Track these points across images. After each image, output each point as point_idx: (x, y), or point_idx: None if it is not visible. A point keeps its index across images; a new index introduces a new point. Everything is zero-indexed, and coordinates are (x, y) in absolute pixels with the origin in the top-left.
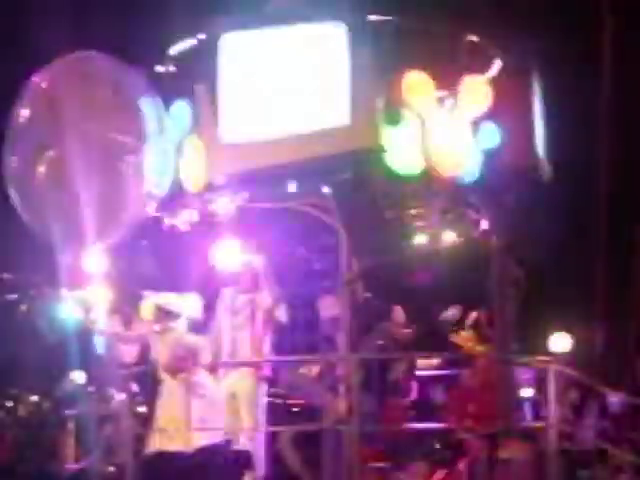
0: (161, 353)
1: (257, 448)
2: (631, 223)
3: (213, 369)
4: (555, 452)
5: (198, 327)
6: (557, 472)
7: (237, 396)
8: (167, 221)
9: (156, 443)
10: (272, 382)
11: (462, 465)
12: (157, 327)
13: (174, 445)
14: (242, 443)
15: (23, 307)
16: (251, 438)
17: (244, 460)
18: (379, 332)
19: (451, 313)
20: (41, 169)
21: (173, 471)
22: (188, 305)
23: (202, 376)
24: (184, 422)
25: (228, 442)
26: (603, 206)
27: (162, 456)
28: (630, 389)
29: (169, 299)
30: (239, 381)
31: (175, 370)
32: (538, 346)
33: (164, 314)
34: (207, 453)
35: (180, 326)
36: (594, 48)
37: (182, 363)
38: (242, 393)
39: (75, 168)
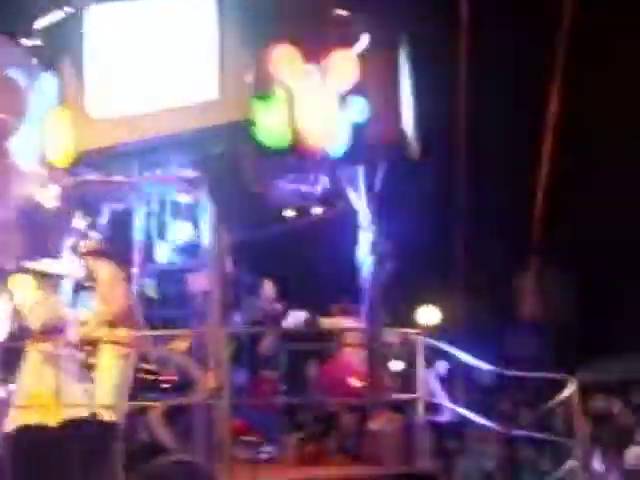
0: (35, 320)
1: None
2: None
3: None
4: (423, 424)
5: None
6: (425, 444)
7: (104, 369)
8: (35, 196)
9: (18, 418)
10: (142, 357)
11: (332, 439)
12: (39, 294)
13: (37, 419)
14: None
15: None
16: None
17: (111, 431)
18: (249, 306)
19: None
20: None
21: (38, 444)
22: (67, 266)
23: (68, 348)
24: (47, 395)
25: (93, 414)
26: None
27: (26, 430)
28: (498, 360)
29: (48, 263)
30: (105, 355)
31: (44, 339)
32: (406, 319)
33: (46, 278)
34: (72, 425)
35: (64, 289)
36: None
37: (53, 332)
38: (108, 366)
39: None
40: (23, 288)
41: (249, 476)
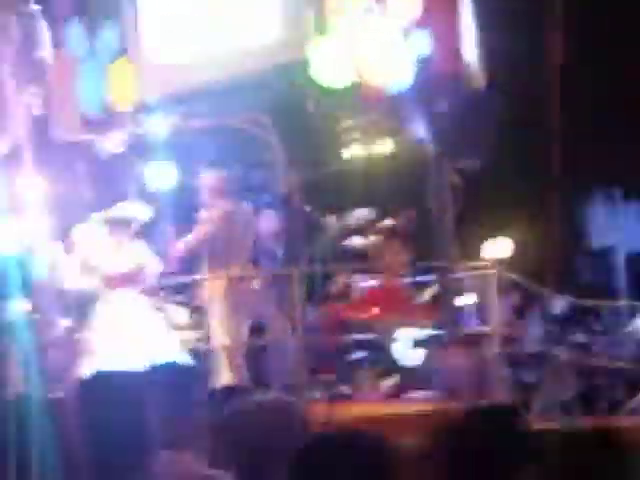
0: (111, 266)
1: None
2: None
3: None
4: (499, 357)
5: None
6: (502, 377)
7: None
8: (100, 144)
9: (96, 365)
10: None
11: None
12: (113, 239)
13: (114, 365)
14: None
15: None
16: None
17: (193, 376)
18: (319, 244)
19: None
20: None
21: (116, 391)
22: (137, 209)
23: (145, 293)
24: (126, 341)
25: (174, 360)
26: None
27: (104, 377)
28: (572, 291)
29: (117, 208)
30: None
31: (122, 285)
32: (477, 252)
33: (117, 223)
34: (154, 371)
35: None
36: None
37: (131, 278)
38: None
39: None
40: (92, 236)
41: (325, 416)
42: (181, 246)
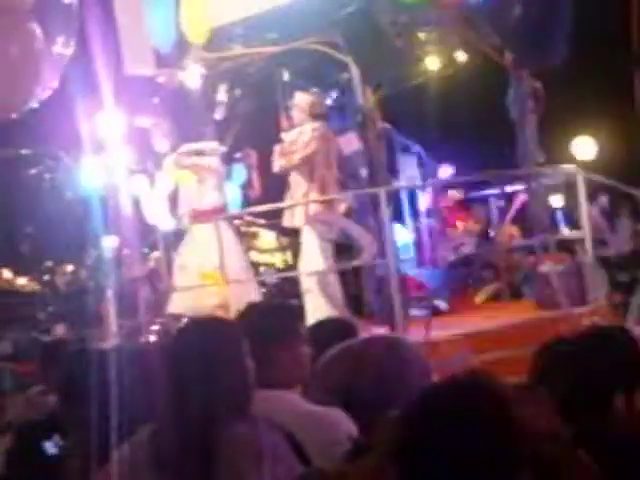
0: (195, 200)
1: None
2: None
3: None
4: (593, 260)
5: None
6: (598, 279)
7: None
8: (176, 77)
9: (183, 301)
10: None
11: (500, 283)
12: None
13: (202, 300)
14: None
15: (46, 180)
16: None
17: (294, 313)
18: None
19: None
20: None
21: (209, 334)
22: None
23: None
24: (214, 274)
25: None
26: None
27: (198, 322)
28: None
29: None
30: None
31: (206, 218)
32: (563, 154)
33: (195, 155)
34: (253, 310)
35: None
36: None
37: (214, 211)
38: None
39: None
40: (175, 171)
41: (423, 332)
42: (282, 163)
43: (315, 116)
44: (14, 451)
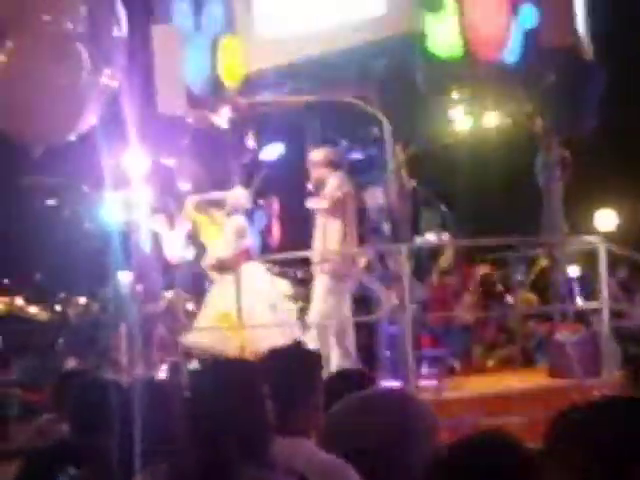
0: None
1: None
2: None
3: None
4: (609, 331)
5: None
6: (612, 351)
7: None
8: (206, 119)
9: (201, 338)
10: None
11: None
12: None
13: (219, 339)
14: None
15: (66, 211)
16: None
17: (315, 360)
18: (424, 220)
19: None
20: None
21: (228, 377)
22: (234, 195)
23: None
24: (232, 316)
25: (298, 342)
26: None
27: (216, 364)
28: None
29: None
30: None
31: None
32: (584, 225)
33: (207, 203)
34: (274, 355)
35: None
36: None
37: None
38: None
39: (35, 59)
40: (198, 213)
41: (434, 390)
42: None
43: (334, 166)
44: (22, 478)
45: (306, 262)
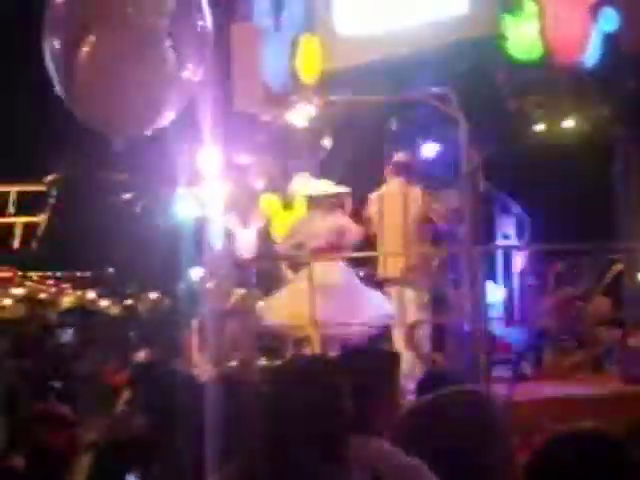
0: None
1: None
2: None
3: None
4: None
5: None
6: None
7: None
8: (284, 117)
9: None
10: None
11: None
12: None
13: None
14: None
15: (139, 206)
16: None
17: (394, 360)
18: (500, 224)
19: None
20: (84, 51)
21: (310, 376)
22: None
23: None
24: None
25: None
26: None
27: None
28: None
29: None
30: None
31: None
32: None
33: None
34: (353, 354)
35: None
36: None
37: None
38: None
39: (117, 53)
40: (273, 208)
41: (505, 394)
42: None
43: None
44: (94, 472)
45: None
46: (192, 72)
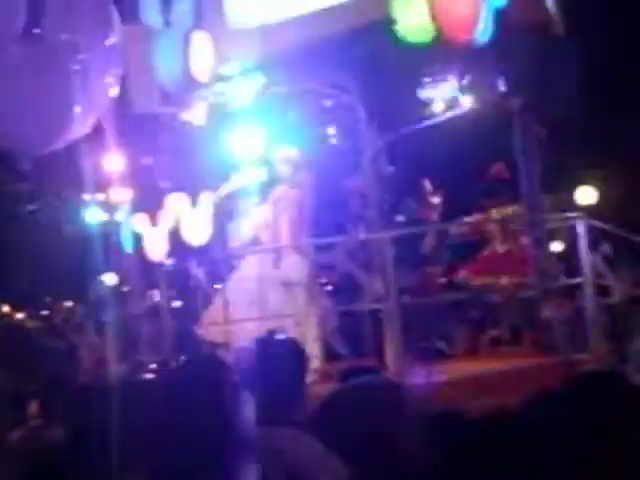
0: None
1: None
2: None
3: None
4: (594, 306)
5: None
6: (598, 327)
7: (293, 283)
8: (180, 117)
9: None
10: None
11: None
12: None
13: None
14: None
15: (46, 215)
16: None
17: (298, 352)
18: (406, 207)
19: None
20: None
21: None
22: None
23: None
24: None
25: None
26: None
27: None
28: None
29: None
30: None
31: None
32: (564, 202)
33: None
34: (262, 343)
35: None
36: None
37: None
38: (298, 279)
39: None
40: (179, 208)
41: (423, 373)
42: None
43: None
44: None
45: None
46: (104, 84)
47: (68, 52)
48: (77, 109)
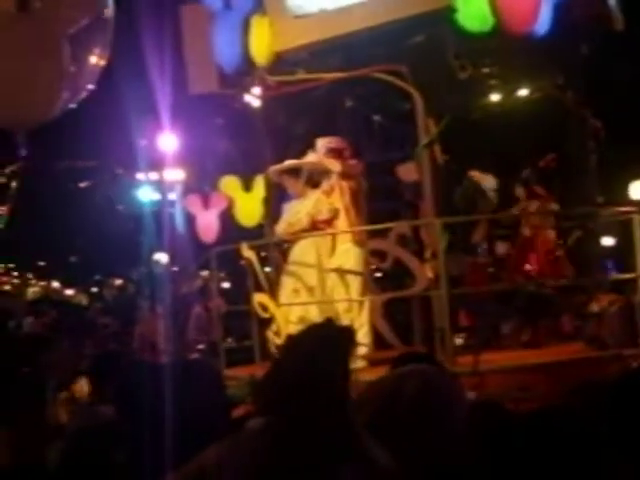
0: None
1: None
2: None
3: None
4: None
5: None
6: None
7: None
8: (239, 98)
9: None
10: None
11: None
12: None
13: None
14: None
15: (101, 193)
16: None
17: (350, 335)
18: (458, 196)
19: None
20: None
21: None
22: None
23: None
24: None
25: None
26: None
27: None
28: None
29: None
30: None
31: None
32: (620, 195)
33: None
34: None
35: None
36: None
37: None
38: (349, 265)
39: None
40: (234, 190)
41: (469, 363)
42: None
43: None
44: (66, 458)
45: None
46: (97, 57)
47: (59, 26)
48: (67, 82)
